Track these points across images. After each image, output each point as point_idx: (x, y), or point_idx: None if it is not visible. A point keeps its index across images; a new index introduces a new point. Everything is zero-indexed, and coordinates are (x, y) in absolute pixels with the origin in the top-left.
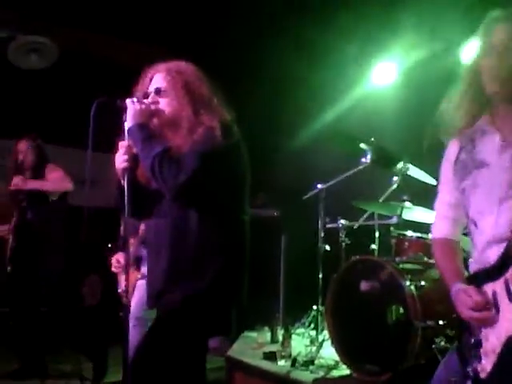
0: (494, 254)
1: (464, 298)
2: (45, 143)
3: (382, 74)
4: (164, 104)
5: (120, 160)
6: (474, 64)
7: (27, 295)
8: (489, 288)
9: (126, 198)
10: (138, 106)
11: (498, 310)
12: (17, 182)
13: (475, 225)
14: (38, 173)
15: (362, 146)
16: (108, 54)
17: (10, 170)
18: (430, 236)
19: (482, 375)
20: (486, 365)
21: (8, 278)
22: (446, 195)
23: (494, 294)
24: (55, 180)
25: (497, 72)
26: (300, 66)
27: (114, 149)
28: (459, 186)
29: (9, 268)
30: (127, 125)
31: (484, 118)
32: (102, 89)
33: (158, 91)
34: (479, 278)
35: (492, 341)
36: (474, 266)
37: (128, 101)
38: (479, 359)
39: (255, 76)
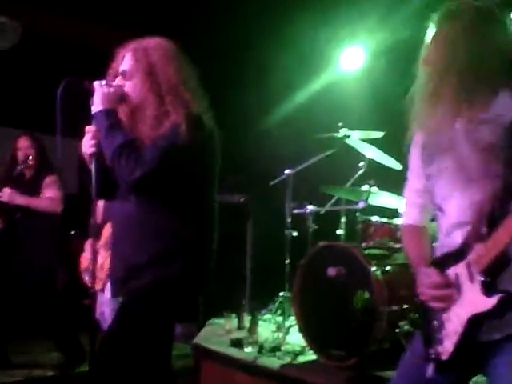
0: (458, 238)
1: (424, 278)
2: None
3: (350, 59)
4: (128, 87)
5: (87, 145)
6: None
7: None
8: (452, 271)
9: (93, 181)
10: (105, 89)
11: (460, 292)
12: (6, 195)
13: (440, 209)
14: (36, 182)
15: (332, 134)
16: (75, 37)
17: (6, 167)
18: (395, 221)
19: (444, 357)
20: (448, 346)
21: None
22: (413, 182)
23: (457, 276)
24: (47, 200)
25: (428, 69)
26: (268, 52)
27: (79, 133)
28: (425, 171)
29: None
30: (94, 109)
31: (446, 101)
32: (67, 72)
33: (123, 74)
34: (444, 262)
35: (454, 322)
36: (439, 250)
37: (96, 83)
38: (441, 342)
39: (223, 61)
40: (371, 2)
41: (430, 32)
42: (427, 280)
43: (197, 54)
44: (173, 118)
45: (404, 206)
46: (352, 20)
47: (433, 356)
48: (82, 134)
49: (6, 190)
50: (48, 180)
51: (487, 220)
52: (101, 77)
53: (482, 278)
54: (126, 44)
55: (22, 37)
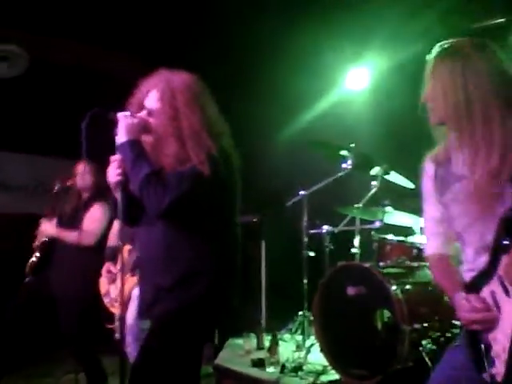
0: (483, 260)
1: (463, 303)
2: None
3: (355, 80)
4: (153, 124)
5: (113, 174)
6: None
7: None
8: (487, 290)
9: (120, 208)
10: (129, 121)
11: (499, 310)
12: (44, 227)
13: (462, 237)
14: (85, 207)
15: (343, 152)
16: (83, 62)
17: (58, 193)
18: (410, 239)
19: (498, 378)
20: (500, 366)
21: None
22: (430, 211)
23: (493, 293)
24: (81, 234)
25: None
26: (275, 72)
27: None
28: (441, 201)
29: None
30: (118, 139)
31: (453, 134)
32: (75, 97)
33: (150, 112)
34: (476, 284)
35: (500, 340)
36: (467, 275)
37: (120, 114)
38: (493, 363)
39: (232, 83)
40: (377, 22)
41: (431, 69)
42: (467, 305)
43: (205, 76)
44: (194, 160)
45: (425, 237)
46: (357, 40)
47: (488, 380)
48: (106, 163)
49: (46, 222)
50: (94, 209)
51: (508, 232)
52: (109, 102)
53: None
54: (153, 76)
55: (29, 64)
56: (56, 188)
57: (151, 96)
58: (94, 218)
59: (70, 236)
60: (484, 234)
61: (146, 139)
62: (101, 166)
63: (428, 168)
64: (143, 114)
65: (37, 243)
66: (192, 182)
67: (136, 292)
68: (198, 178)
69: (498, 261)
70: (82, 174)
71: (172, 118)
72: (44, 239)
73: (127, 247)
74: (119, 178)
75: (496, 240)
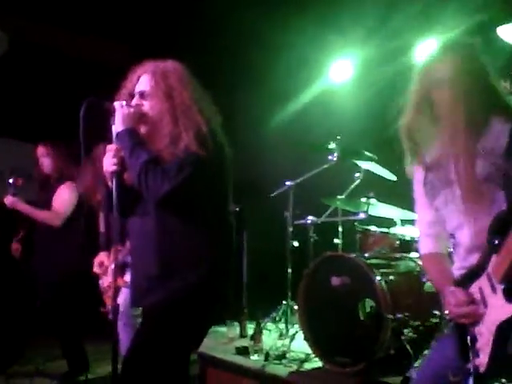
0: (475, 259)
1: (450, 298)
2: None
3: (339, 71)
4: (147, 107)
5: (109, 163)
6: (425, 92)
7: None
8: (476, 286)
9: (114, 199)
10: (126, 110)
11: (486, 305)
12: (8, 201)
13: (454, 237)
14: (53, 188)
15: (331, 145)
16: (63, 46)
17: (36, 175)
18: (393, 230)
19: (481, 369)
20: (483, 358)
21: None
22: (423, 214)
23: (481, 289)
24: (46, 213)
25: (447, 106)
26: (260, 64)
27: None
28: (432, 204)
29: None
30: (116, 128)
31: (441, 139)
32: (54, 82)
33: (141, 94)
34: (465, 280)
35: (485, 334)
36: (458, 272)
37: (116, 103)
38: (477, 355)
39: (215, 73)
40: (360, 14)
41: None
42: (453, 299)
43: (189, 68)
44: (184, 139)
45: (419, 238)
46: (341, 32)
47: (471, 370)
48: (102, 152)
49: (9, 197)
50: (61, 189)
51: (498, 232)
52: (92, 88)
53: (503, 286)
54: (142, 65)
55: (9, 47)
56: (11, 179)
57: (142, 80)
58: (62, 198)
59: (39, 214)
60: (475, 235)
61: (143, 126)
62: (61, 148)
63: (417, 173)
64: (136, 99)
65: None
66: (191, 170)
67: (124, 290)
68: (197, 166)
69: (488, 259)
70: (43, 157)
71: (166, 95)
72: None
73: (118, 247)
74: (115, 167)
75: (487, 240)
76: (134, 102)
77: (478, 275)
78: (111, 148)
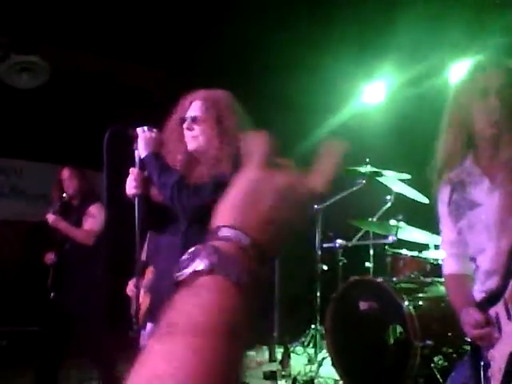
0: (493, 283)
1: (467, 318)
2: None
3: (372, 93)
4: (198, 131)
5: (129, 186)
6: (463, 107)
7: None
8: (493, 311)
9: (136, 220)
10: (148, 135)
11: (500, 331)
12: (51, 219)
13: (475, 260)
14: (80, 211)
15: (360, 168)
16: (103, 73)
17: (54, 198)
18: (424, 254)
19: None
20: None
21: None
22: (447, 234)
23: (497, 315)
24: (82, 232)
25: (494, 116)
26: (293, 86)
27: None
28: (456, 226)
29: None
30: (140, 153)
31: (469, 161)
32: (96, 108)
33: (194, 119)
34: (484, 304)
35: (497, 360)
36: (478, 295)
37: (139, 129)
38: (489, 381)
39: (246, 96)
40: (393, 36)
41: (466, 85)
42: (470, 319)
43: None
44: (226, 163)
45: (444, 257)
46: (375, 54)
47: None
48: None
49: (51, 216)
50: (91, 209)
51: None
52: (129, 114)
53: None
54: (193, 92)
55: (50, 75)
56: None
57: (194, 105)
58: (93, 217)
59: (76, 233)
60: (494, 259)
61: (193, 145)
62: (83, 170)
63: (443, 192)
64: (187, 124)
65: (49, 259)
66: (222, 188)
67: None
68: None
69: (507, 285)
70: (68, 180)
71: (216, 121)
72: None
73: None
74: (134, 190)
75: (506, 266)
76: (185, 125)
77: (496, 300)
78: (132, 171)
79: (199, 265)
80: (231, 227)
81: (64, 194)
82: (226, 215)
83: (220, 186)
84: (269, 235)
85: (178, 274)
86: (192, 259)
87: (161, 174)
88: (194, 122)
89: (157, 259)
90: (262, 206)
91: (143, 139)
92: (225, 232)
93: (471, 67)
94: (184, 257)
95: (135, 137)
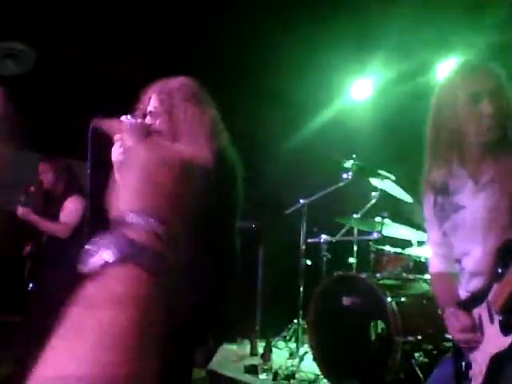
0: (478, 284)
1: (453, 321)
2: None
3: (359, 90)
4: (157, 126)
5: (117, 153)
6: (450, 110)
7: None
8: (476, 312)
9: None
10: (133, 123)
11: (483, 333)
12: (21, 212)
13: (460, 261)
14: (59, 203)
15: (346, 164)
16: (87, 63)
17: (34, 191)
18: (407, 251)
19: None
20: None
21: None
22: (432, 235)
23: (480, 317)
24: (56, 225)
25: (487, 123)
26: (280, 81)
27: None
28: (441, 227)
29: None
30: (126, 142)
31: (454, 163)
32: (81, 97)
33: (150, 114)
34: (468, 304)
35: (479, 362)
36: (462, 294)
37: (123, 118)
38: (470, 381)
39: (235, 90)
40: (381, 33)
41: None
42: (456, 323)
43: (209, 84)
44: None
45: (430, 256)
46: (362, 51)
47: None
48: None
49: (20, 208)
50: (68, 202)
51: (502, 261)
52: (112, 103)
53: (500, 318)
54: (152, 85)
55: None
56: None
57: (151, 100)
58: (70, 210)
59: (49, 225)
60: (479, 261)
61: None
62: (63, 163)
63: (428, 193)
64: (147, 119)
65: (26, 250)
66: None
67: None
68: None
69: (490, 287)
70: (45, 173)
71: (168, 114)
72: (30, 247)
73: None
74: (121, 157)
75: (491, 268)
76: (146, 121)
77: (480, 301)
78: (118, 138)
79: (107, 254)
80: (135, 212)
81: (32, 187)
82: (126, 200)
83: None
84: (173, 215)
85: (83, 265)
86: (98, 248)
87: None
88: (151, 116)
89: None
90: (160, 187)
91: (128, 127)
92: (129, 218)
93: (458, 67)
94: (88, 246)
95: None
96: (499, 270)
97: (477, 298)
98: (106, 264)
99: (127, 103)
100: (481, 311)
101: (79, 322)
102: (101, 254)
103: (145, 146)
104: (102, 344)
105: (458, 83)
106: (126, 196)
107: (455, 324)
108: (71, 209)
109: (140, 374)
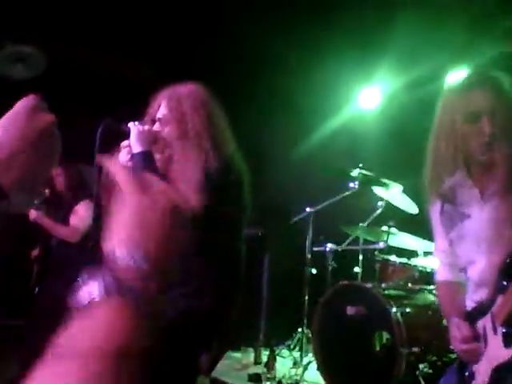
0: (483, 294)
1: (455, 331)
2: None
3: (368, 98)
4: (164, 134)
5: (124, 160)
6: (452, 126)
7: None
8: (481, 323)
9: None
10: (141, 129)
11: (486, 344)
12: (35, 215)
13: (465, 271)
14: (70, 207)
15: (353, 173)
16: (99, 67)
17: (48, 195)
18: (413, 262)
19: None
20: None
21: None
22: (440, 243)
23: (484, 328)
24: (66, 230)
25: (487, 141)
26: (289, 89)
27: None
28: (447, 236)
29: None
30: (133, 148)
31: (460, 172)
32: (91, 102)
33: (159, 120)
34: (473, 315)
35: (482, 373)
36: (469, 304)
37: (131, 124)
38: None
39: (245, 98)
40: (389, 42)
41: (454, 104)
42: (459, 334)
43: (217, 91)
44: (191, 170)
45: (437, 265)
46: (371, 59)
47: None
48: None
49: (33, 211)
50: (78, 207)
51: (507, 274)
52: (121, 106)
53: (504, 330)
54: (162, 91)
55: (45, 67)
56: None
57: (161, 107)
58: (79, 215)
59: (60, 229)
60: (484, 272)
61: (160, 151)
62: (75, 168)
63: (435, 203)
64: (156, 125)
65: (34, 254)
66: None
67: None
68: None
69: (495, 299)
70: (57, 177)
71: (178, 122)
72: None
73: None
74: (129, 164)
75: (495, 280)
76: (155, 128)
77: (485, 312)
78: (125, 144)
79: (95, 289)
80: (126, 249)
81: (46, 190)
82: (119, 236)
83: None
84: (161, 255)
85: (72, 299)
86: (87, 283)
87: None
88: (160, 123)
89: None
90: (149, 228)
91: (135, 134)
92: (120, 254)
93: (459, 82)
94: (79, 279)
95: (128, 132)
96: (504, 283)
97: (481, 309)
98: (92, 300)
99: (137, 107)
100: (485, 322)
101: (63, 350)
102: (89, 287)
103: (139, 187)
104: (81, 370)
105: (457, 101)
106: (118, 232)
107: (457, 334)
108: (82, 214)
109: None
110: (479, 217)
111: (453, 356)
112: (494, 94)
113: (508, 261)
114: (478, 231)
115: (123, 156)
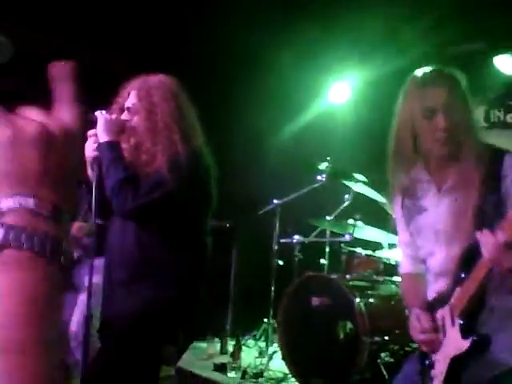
0: (442, 285)
1: (414, 322)
2: None
3: (338, 93)
4: (133, 123)
5: (90, 149)
6: (409, 122)
7: None
8: (440, 314)
9: (94, 191)
10: (107, 117)
11: (444, 334)
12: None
13: (425, 262)
14: None
15: (320, 166)
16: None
17: None
18: (378, 254)
19: None
20: None
21: None
22: (402, 236)
23: (443, 319)
24: None
25: (442, 136)
26: (259, 84)
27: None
28: (408, 229)
29: None
30: (99, 137)
31: (419, 167)
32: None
33: (128, 109)
34: (434, 304)
35: (440, 363)
36: (430, 294)
37: (97, 113)
38: (432, 381)
39: (213, 92)
40: (358, 38)
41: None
42: (418, 324)
43: (189, 85)
44: (158, 160)
45: (400, 257)
46: (340, 55)
47: None
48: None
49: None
50: None
51: (465, 266)
52: (89, 95)
53: (461, 322)
54: (132, 81)
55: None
56: None
57: (131, 96)
58: None
59: None
60: (443, 263)
61: (132, 139)
62: None
63: (396, 196)
64: (124, 115)
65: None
66: (159, 194)
67: (82, 297)
68: (165, 190)
69: (453, 291)
70: None
71: (147, 112)
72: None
73: None
74: (96, 152)
75: (454, 272)
76: (123, 117)
77: (444, 303)
78: (92, 133)
79: None
80: (12, 194)
81: None
82: (3, 183)
83: (156, 185)
84: (53, 189)
85: None
86: None
87: (109, 166)
88: (129, 112)
89: (109, 244)
90: (27, 165)
91: (102, 123)
92: (7, 202)
93: (415, 78)
94: None
95: (95, 120)
96: (462, 275)
97: (441, 300)
98: None
99: (104, 95)
100: (444, 313)
101: None
102: None
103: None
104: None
105: (413, 96)
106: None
107: (416, 325)
108: None
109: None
110: (437, 210)
111: (414, 345)
112: (449, 91)
113: (465, 253)
114: (434, 224)
115: (90, 145)
